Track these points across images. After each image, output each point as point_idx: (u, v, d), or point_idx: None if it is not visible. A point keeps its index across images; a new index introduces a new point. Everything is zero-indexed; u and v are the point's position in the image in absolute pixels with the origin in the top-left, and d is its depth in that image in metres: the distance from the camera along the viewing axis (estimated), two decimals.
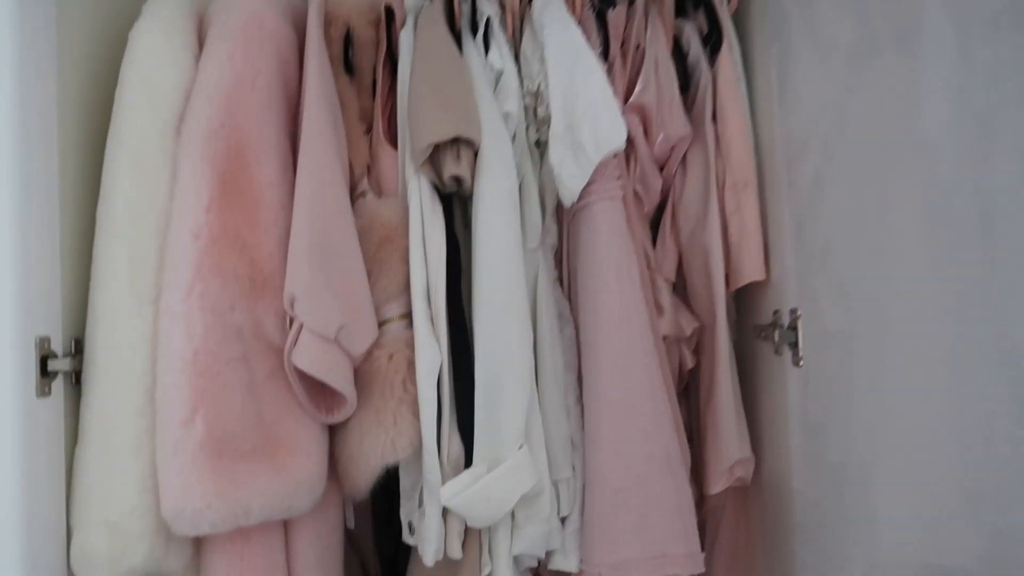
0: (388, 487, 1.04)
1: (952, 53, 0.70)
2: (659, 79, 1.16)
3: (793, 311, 1.00)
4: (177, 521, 0.86)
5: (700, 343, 1.18)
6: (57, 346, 0.90)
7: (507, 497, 0.95)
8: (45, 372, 0.87)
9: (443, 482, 0.96)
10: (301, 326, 0.92)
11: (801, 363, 0.98)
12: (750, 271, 1.10)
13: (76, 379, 0.92)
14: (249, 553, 0.95)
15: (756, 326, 1.11)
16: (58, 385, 0.90)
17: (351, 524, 1.11)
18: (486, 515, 0.95)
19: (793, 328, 1.00)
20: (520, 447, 0.97)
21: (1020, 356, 0.61)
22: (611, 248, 1.03)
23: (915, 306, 0.77)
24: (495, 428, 0.96)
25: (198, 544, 0.96)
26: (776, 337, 1.02)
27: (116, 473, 0.88)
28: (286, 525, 1.00)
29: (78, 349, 0.93)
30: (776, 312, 1.06)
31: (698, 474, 1.14)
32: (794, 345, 0.99)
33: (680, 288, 1.21)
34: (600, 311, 1.02)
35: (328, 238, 0.97)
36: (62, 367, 0.89)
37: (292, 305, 0.92)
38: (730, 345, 1.12)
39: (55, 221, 0.91)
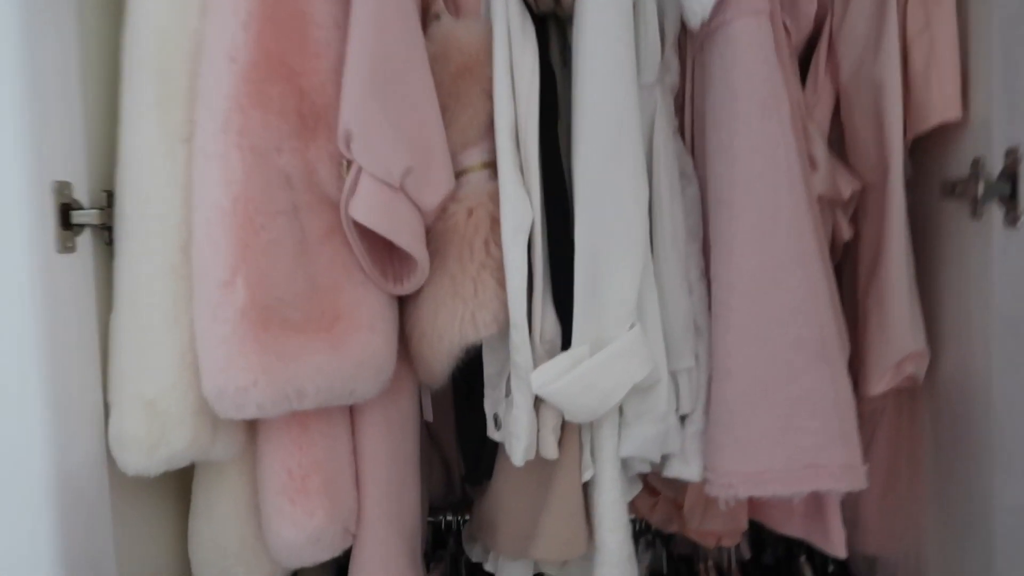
0: (472, 374, 0.87)
1: None
2: None
3: (1012, 152, 0.73)
4: (219, 401, 0.72)
5: (861, 209, 0.93)
6: (82, 195, 0.76)
7: (614, 386, 0.76)
8: (68, 224, 0.74)
9: (535, 366, 0.77)
10: (360, 170, 0.74)
11: (1021, 220, 0.72)
12: (941, 108, 0.83)
13: (110, 238, 0.79)
14: (309, 443, 0.81)
15: (946, 182, 0.85)
16: (85, 241, 0.76)
17: (429, 417, 0.96)
18: (588, 408, 0.77)
19: (1010, 175, 0.73)
20: (631, 327, 0.77)
21: None
22: (753, 78, 0.79)
23: None
24: (599, 302, 0.77)
25: (251, 431, 0.83)
26: (980, 190, 0.76)
27: (151, 344, 0.75)
28: (353, 413, 0.85)
29: (111, 202, 0.79)
30: (977, 160, 0.79)
31: (853, 371, 0.91)
32: (1010, 197, 0.73)
33: (835, 144, 0.95)
34: (737, 158, 0.79)
35: (392, 65, 0.77)
36: (88, 219, 0.76)
37: (348, 144, 0.74)
38: (905, 207, 0.86)
39: (71, 46, 0.76)
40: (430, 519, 1.09)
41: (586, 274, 0.77)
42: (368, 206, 0.74)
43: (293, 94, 0.77)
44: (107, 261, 0.79)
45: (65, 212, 0.74)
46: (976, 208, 0.79)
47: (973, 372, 0.82)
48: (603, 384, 0.75)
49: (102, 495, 0.77)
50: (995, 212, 0.76)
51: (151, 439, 0.74)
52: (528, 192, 0.78)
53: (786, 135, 0.79)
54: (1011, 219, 0.73)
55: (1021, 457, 0.74)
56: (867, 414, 0.94)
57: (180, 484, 0.89)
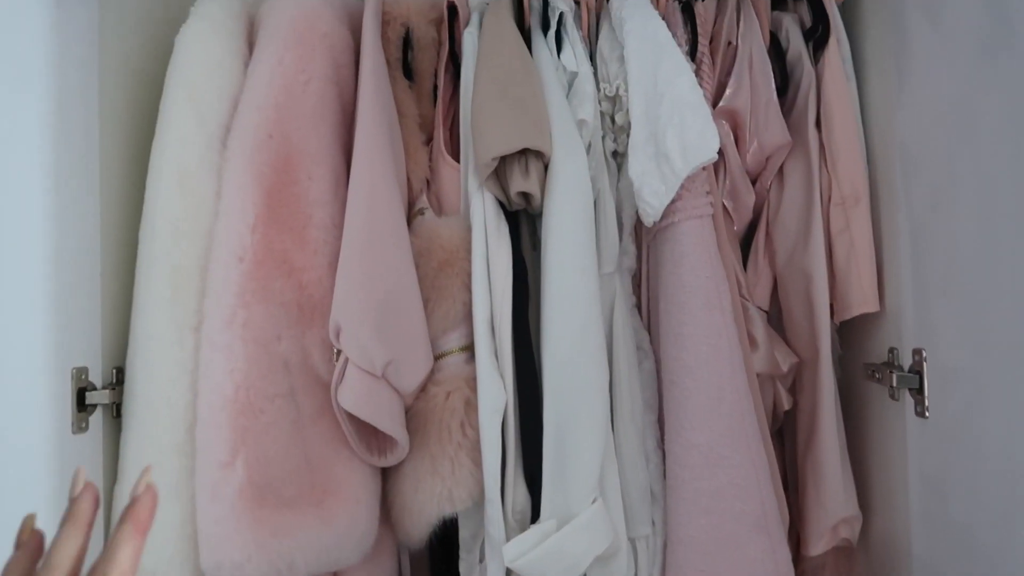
0: (448, 536, 0.94)
1: None
2: (753, 79, 1.02)
3: (917, 352, 0.85)
4: (215, 574, 0.79)
5: (798, 381, 1.04)
6: (96, 377, 0.84)
7: (579, 558, 0.84)
8: (82, 406, 0.82)
9: (507, 537, 0.85)
10: (347, 360, 0.84)
11: (927, 413, 0.83)
12: (861, 301, 0.95)
13: (117, 411, 0.86)
14: None
15: (867, 364, 0.96)
16: (96, 419, 0.84)
17: (406, 574, 1.02)
18: None
19: (916, 371, 0.85)
20: (594, 500, 0.86)
21: None
22: (699, 274, 0.91)
23: None
24: (566, 478, 0.85)
25: None
26: (894, 381, 0.88)
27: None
28: None
29: (119, 379, 0.87)
30: (892, 350, 0.91)
31: (794, 530, 1.00)
32: (917, 391, 0.85)
33: (775, 318, 1.07)
34: (686, 345, 0.90)
35: (381, 261, 0.88)
36: (101, 400, 0.83)
37: (338, 336, 0.84)
38: (835, 384, 0.98)
39: (95, 241, 0.85)
40: None
41: (554, 453, 0.86)
42: (353, 394, 0.83)
43: (294, 288, 0.87)
44: (114, 432, 0.86)
45: (81, 395, 0.81)
46: (892, 392, 0.90)
47: (894, 532, 0.91)
48: (570, 556, 0.83)
49: None
50: (908, 398, 0.87)
51: None
52: (502, 375, 0.88)
53: (728, 325, 0.90)
54: (920, 411, 0.84)
55: None
56: (809, 571, 1.02)
57: None
